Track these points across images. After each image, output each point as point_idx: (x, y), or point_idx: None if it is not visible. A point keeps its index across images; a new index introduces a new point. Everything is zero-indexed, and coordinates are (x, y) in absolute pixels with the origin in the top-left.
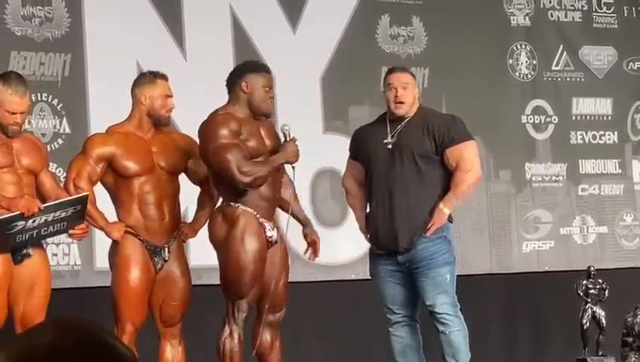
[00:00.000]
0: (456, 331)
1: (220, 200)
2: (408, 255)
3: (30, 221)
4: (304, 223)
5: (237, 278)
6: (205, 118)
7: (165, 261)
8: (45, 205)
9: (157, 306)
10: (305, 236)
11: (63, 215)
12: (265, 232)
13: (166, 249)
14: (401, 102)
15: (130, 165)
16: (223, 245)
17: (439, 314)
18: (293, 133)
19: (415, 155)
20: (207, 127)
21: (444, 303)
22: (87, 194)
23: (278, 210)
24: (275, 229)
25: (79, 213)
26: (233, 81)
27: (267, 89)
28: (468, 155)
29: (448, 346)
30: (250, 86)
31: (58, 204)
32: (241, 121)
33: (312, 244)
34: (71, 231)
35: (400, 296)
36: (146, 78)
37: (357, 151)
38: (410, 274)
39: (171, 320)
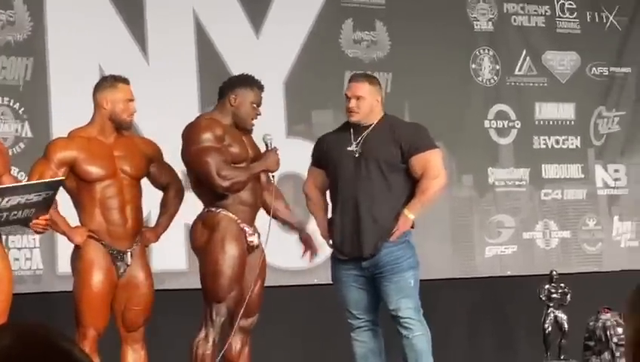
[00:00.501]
0: (420, 335)
1: (202, 206)
2: (372, 260)
3: (5, 200)
4: (298, 228)
5: (216, 282)
6: (188, 122)
7: (128, 266)
8: (22, 184)
9: (119, 311)
10: (303, 240)
11: (35, 199)
12: (246, 237)
13: (129, 253)
14: (353, 112)
15: (93, 170)
16: (203, 250)
17: (402, 318)
18: (274, 143)
19: (381, 163)
20: (191, 130)
21: (407, 307)
22: (63, 179)
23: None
24: (256, 234)
25: (48, 201)
26: (223, 91)
27: (255, 105)
28: (434, 163)
29: (411, 350)
30: (238, 100)
31: (33, 184)
32: (225, 128)
33: (309, 248)
34: (34, 222)
35: (362, 301)
36: (108, 82)
37: (320, 159)
38: (374, 278)
39: (133, 325)
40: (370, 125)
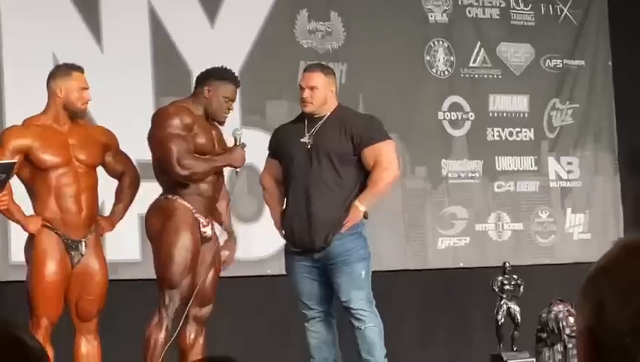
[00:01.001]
0: (371, 327)
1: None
2: (324, 252)
3: None
4: (229, 234)
5: (169, 268)
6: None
7: (82, 255)
8: None
9: (73, 301)
10: (224, 246)
11: None
12: (199, 227)
13: (83, 243)
14: (307, 103)
15: (47, 158)
16: (157, 236)
17: (354, 309)
18: (243, 139)
19: (332, 155)
20: (159, 115)
21: (359, 299)
22: (15, 162)
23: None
24: (209, 226)
25: (2, 182)
26: (198, 82)
27: (227, 100)
28: (386, 154)
29: (363, 342)
30: (211, 93)
31: None
32: (196, 118)
33: (227, 257)
34: None
35: (316, 292)
36: (62, 70)
37: (276, 150)
38: (326, 269)
39: (87, 315)
40: (324, 116)
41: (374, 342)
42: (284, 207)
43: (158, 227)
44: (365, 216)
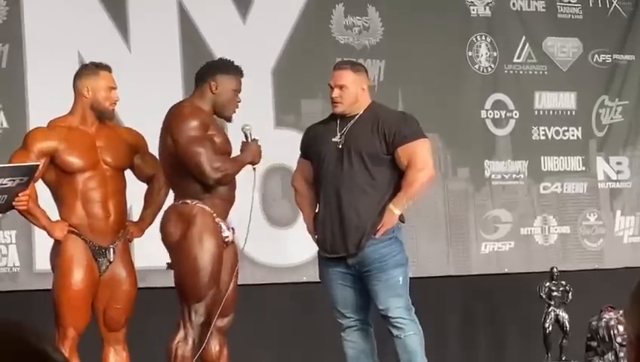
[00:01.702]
0: (412, 335)
1: (173, 198)
2: (357, 257)
3: None
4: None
5: (195, 280)
6: (170, 109)
7: (110, 262)
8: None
9: (101, 310)
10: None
11: (9, 184)
12: (221, 232)
13: (111, 250)
14: (337, 103)
15: (74, 160)
16: (179, 245)
17: (393, 318)
18: (254, 134)
19: (363, 155)
20: (177, 118)
21: (397, 307)
22: (38, 164)
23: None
24: (230, 230)
25: (24, 185)
26: (203, 77)
27: (236, 93)
28: (420, 154)
29: (403, 351)
30: (219, 87)
31: (6, 168)
32: (210, 117)
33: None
34: (16, 200)
35: (351, 299)
36: (89, 69)
37: (307, 150)
38: (361, 276)
39: (115, 324)
40: (356, 115)
41: (415, 351)
42: (317, 210)
43: (178, 235)
44: (402, 220)
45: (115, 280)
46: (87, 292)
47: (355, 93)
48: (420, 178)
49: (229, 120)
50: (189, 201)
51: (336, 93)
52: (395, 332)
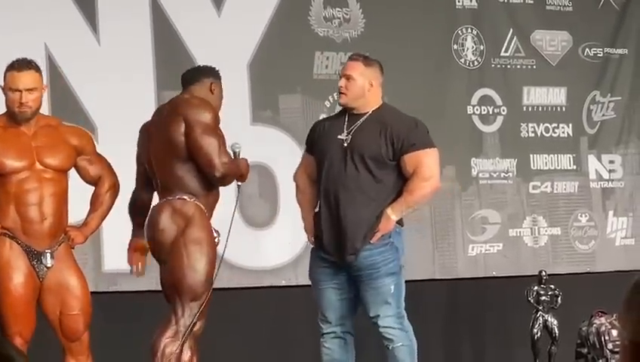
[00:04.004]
0: (400, 346)
1: (162, 193)
2: (351, 261)
3: None
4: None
5: (193, 279)
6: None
7: (47, 268)
8: None
9: (55, 320)
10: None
11: None
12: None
13: (47, 254)
14: (341, 93)
15: (7, 161)
16: (177, 242)
17: (382, 327)
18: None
19: (366, 158)
20: (195, 107)
21: (387, 315)
22: None
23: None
24: (216, 232)
25: None
26: (200, 77)
27: (221, 101)
28: (428, 163)
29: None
30: (216, 91)
31: None
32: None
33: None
34: None
35: (336, 305)
36: (6, 67)
37: (312, 145)
38: (352, 280)
39: (74, 333)
40: (366, 113)
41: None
42: (317, 208)
43: (174, 230)
44: (400, 223)
45: (62, 287)
46: (29, 298)
47: (362, 86)
48: (424, 188)
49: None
50: (186, 198)
51: (342, 82)
52: (385, 342)
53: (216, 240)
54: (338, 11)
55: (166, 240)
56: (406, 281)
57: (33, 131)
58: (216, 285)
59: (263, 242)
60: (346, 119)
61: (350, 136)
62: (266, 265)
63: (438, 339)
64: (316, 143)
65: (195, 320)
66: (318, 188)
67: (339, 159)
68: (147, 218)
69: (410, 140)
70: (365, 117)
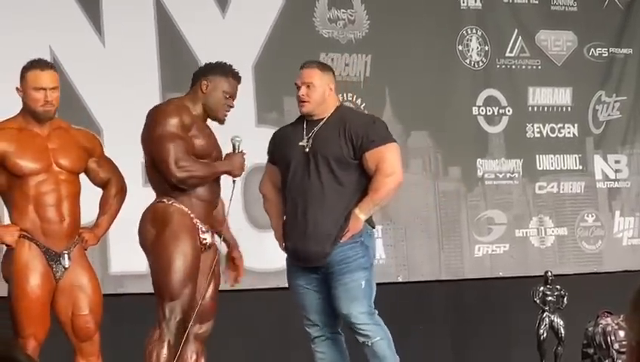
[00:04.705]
0: (378, 340)
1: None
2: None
3: None
4: (232, 245)
5: (169, 278)
6: (148, 108)
7: (65, 268)
8: None
9: (67, 320)
10: (232, 259)
11: None
12: (198, 234)
13: (65, 255)
14: (304, 102)
15: (25, 163)
16: (154, 244)
17: (357, 324)
18: (242, 147)
19: (330, 160)
20: (156, 113)
21: (360, 312)
22: None
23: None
24: (209, 233)
25: None
26: (196, 77)
27: (227, 96)
28: (389, 159)
29: (374, 357)
30: (210, 87)
31: None
32: (194, 118)
33: (236, 269)
34: None
35: (320, 306)
36: (24, 68)
37: (273, 154)
38: (327, 279)
39: (85, 333)
40: (324, 118)
41: (385, 355)
42: (285, 217)
43: (153, 234)
44: (372, 225)
45: (75, 287)
46: (45, 300)
47: (322, 92)
48: (388, 183)
49: (220, 122)
50: (165, 200)
51: (303, 91)
52: (361, 339)
53: (207, 241)
54: (343, 12)
55: (146, 243)
56: (411, 282)
57: (47, 133)
58: (221, 287)
59: (268, 243)
60: (305, 125)
61: (311, 142)
62: (270, 266)
63: (445, 340)
64: (277, 152)
65: (179, 318)
66: (284, 195)
67: (302, 166)
68: None
69: (370, 137)
70: (323, 121)
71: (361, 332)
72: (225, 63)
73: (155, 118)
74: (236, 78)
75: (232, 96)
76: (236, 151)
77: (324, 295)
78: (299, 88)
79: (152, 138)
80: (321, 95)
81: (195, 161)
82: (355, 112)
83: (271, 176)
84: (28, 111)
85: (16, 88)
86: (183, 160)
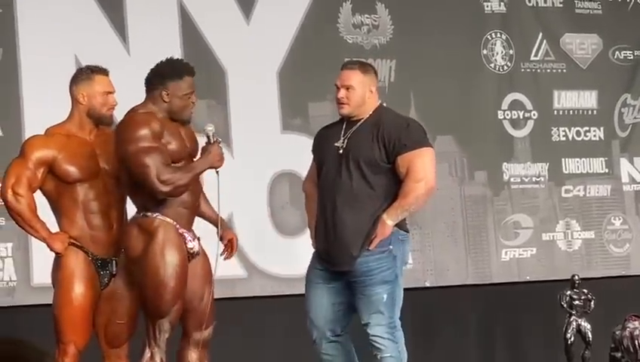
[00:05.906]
0: (388, 357)
1: (135, 210)
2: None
3: None
4: (227, 229)
5: (157, 296)
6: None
7: (113, 275)
8: None
9: (102, 325)
10: (221, 238)
11: None
12: (185, 244)
13: (114, 262)
14: (342, 104)
15: (74, 170)
16: (140, 260)
17: (372, 336)
18: (217, 135)
19: (361, 163)
20: (127, 128)
21: (377, 324)
22: None
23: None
24: (195, 240)
25: None
26: (152, 84)
27: (188, 96)
28: (419, 164)
29: None
30: (170, 94)
31: None
32: (162, 122)
33: (230, 243)
34: None
35: (330, 308)
36: (84, 74)
37: (314, 154)
38: (348, 286)
39: (117, 340)
40: (362, 119)
41: None
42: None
43: (139, 249)
44: (405, 230)
45: (117, 294)
46: (89, 308)
47: (362, 94)
48: (417, 189)
49: (187, 122)
50: (149, 214)
51: (342, 93)
52: (374, 351)
53: (194, 248)
54: (367, 18)
55: (133, 258)
56: (438, 287)
57: (94, 139)
58: (248, 294)
59: (295, 250)
60: (344, 126)
61: (345, 143)
62: (296, 272)
63: (472, 344)
64: (316, 152)
65: (168, 335)
66: (318, 196)
67: (335, 167)
68: None
69: (402, 141)
70: (361, 122)
71: (374, 344)
72: (174, 62)
73: (126, 133)
74: (190, 73)
75: (192, 92)
76: (211, 141)
77: (339, 300)
78: (338, 89)
79: (128, 156)
80: (361, 97)
81: (175, 169)
82: (392, 114)
83: (312, 175)
84: (90, 116)
85: (81, 95)
86: (165, 173)
